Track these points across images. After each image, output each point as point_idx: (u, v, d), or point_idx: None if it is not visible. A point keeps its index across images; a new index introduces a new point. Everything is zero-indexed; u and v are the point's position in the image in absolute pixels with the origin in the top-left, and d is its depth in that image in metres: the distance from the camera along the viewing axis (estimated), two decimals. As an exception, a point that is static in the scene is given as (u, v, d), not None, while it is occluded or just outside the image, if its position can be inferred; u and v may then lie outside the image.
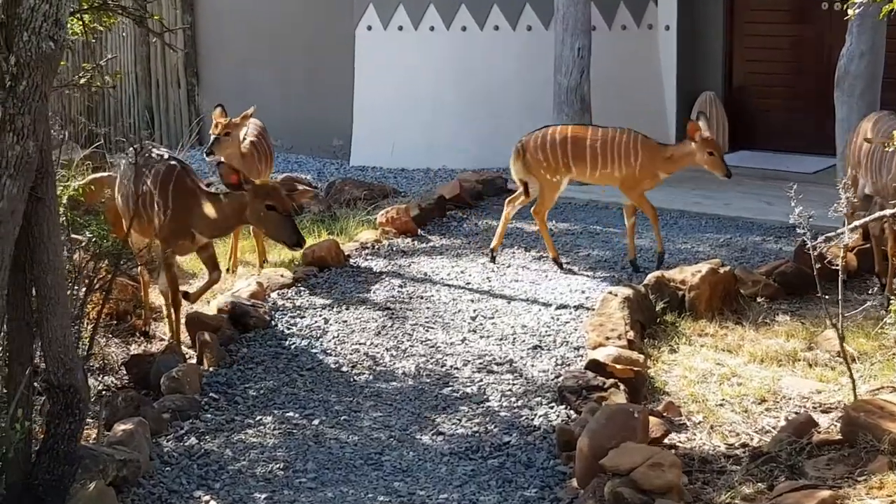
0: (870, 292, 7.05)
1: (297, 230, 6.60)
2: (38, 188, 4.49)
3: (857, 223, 6.27)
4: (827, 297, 5.99)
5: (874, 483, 4.69)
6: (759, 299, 7.45)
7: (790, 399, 6.04)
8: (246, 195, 6.55)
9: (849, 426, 5.11)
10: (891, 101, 8.80)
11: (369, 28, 12.06)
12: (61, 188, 5.96)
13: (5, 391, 4.60)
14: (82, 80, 6.86)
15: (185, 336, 7.02)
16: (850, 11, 6.02)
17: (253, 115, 8.22)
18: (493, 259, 8.46)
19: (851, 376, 5.57)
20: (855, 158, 7.59)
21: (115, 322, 7.08)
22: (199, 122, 12.84)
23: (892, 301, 6.21)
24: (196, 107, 13.35)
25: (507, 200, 8.52)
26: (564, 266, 8.30)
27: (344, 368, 6.62)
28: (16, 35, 4.26)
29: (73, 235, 6.13)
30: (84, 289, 6.11)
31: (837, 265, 5.88)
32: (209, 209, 6.67)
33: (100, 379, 6.36)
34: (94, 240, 6.08)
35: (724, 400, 6.06)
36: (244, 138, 8.21)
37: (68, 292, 5.03)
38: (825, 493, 4.54)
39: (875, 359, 6.39)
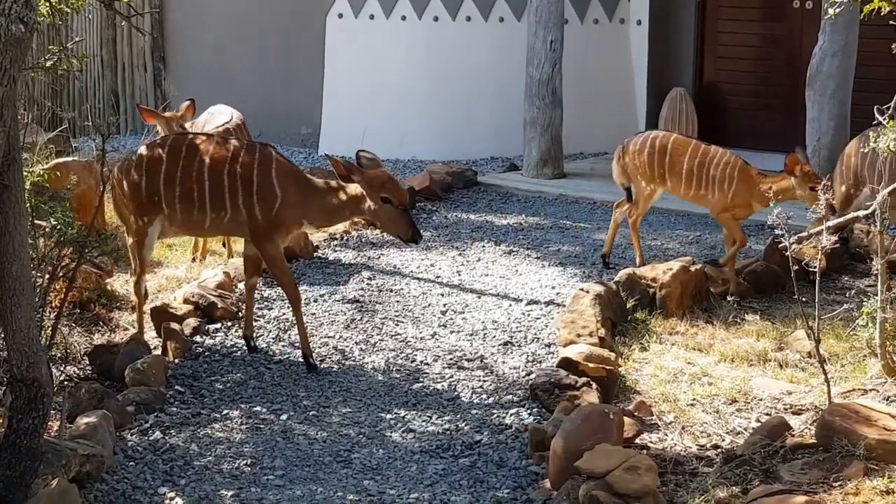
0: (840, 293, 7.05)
1: (414, 224, 6.33)
2: (5, 175, 4.37)
3: (831, 223, 6.25)
4: (804, 299, 5.97)
5: (850, 489, 4.66)
6: (729, 298, 7.42)
7: (761, 400, 6.01)
8: (361, 188, 6.25)
9: (823, 430, 5.07)
10: (862, 101, 8.79)
11: (340, 16, 11.95)
12: (25, 173, 5.82)
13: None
14: (48, 63, 6.72)
15: (149, 326, 6.90)
16: (829, 11, 5.98)
17: (188, 111, 8.13)
18: (605, 265, 8.15)
19: (826, 380, 5.54)
20: (855, 173, 7.53)
21: (78, 310, 6.94)
22: (166, 108, 12.67)
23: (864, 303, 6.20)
24: (163, 91, 13.19)
25: (614, 205, 8.23)
26: (536, 260, 8.24)
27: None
28: (-16, 17, 4.13)
29: (37, 221, 6.00)
30: (47, 276, 5.99)
31: (811, 266, 5.84)
32: (324, 197, 6.38)
33: (62, 369, 6.23)
34: (58, 227, 5.95)
35: (695, 400, 6.02)
36: (224, 125, 8.08)
37: (32, 281, 4.90)
38: (801, 499, 4.49)
39: (846, 360, 6.38)
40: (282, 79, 12.54)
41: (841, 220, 6.47)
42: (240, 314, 7.09)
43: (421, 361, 6.52)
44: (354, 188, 6.28)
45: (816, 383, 6.02)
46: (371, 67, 11.87)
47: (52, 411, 5.20)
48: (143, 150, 6.62)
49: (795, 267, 5.92)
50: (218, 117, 8.28)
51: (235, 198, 6.35)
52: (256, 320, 7.06)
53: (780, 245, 5.75)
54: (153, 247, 6.81)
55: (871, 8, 5.65)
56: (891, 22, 5.78)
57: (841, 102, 9.04)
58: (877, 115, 5.77)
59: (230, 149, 6.45)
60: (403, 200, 6.28)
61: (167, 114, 8.07)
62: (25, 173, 5.80)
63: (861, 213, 6.36)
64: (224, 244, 8.32)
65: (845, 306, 6.46)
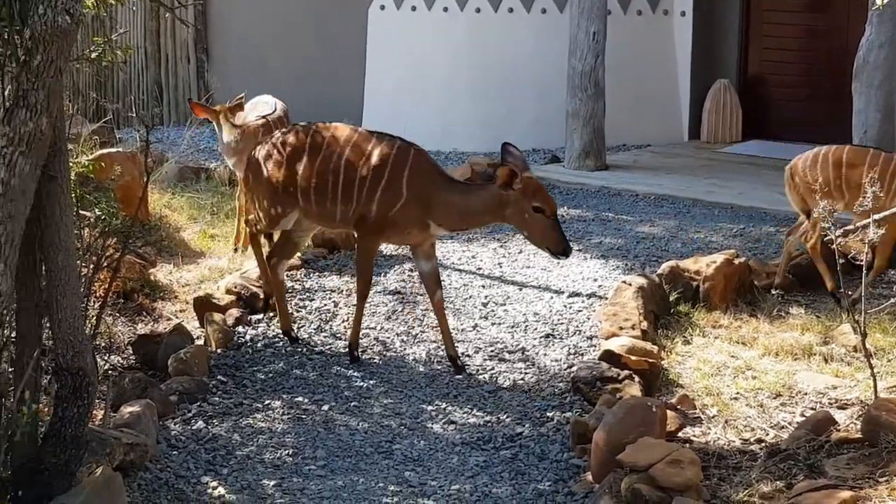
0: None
1: (564, 236, 6.02)
2: (51, 166, 4.39)
3: (878, 216, 6.18)
4: (850, 293, 5.91)
5: (896, 484, 4.61)
6: (773, 291, 7.36)
7: (806, 394, 5.96)
8: (511, 194, 5.94)
9: (869, 425, 5.02)
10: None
11: (382, 8, 11.94)
12: (70, 164, 5.86)
13: (12, 373, 4.51)
14: (93, 55, 6.75)
15: (192, 316, 6.94)
16: (878, 1, 5.91)
17: (239, 105, 8.12)
18: (774, 288, 7.39)
19: (873, 374, 5.48)
20: None
21: (122, 300, 6.99)
22: (209, 99, 12.71)
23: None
24: (205, 83, 13.23)
25: (786, 233, 7.70)
26: (578, 252, 8.20)
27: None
28: (31, 8, 4.14)
29: (82, 212, 6.04)
30: (92, 267, 6.03)
31: (858, 260, 5.79)
32: (460, 200, 6.13)
33: (106, 358, 6.27)
34: (102, 217, 5.98)
35: (738, 393, 5.98)
36: (261, 119, 8.11)
37: (77, 271, 4.93)
38: (846, 494, 4.45)
39: (892, 355, 6.31)
40: (324, 70, 12.55)
41: (887, 212, 6.39)
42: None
43: (462, 353, 6.51)
44: (500, 192, 5.99)
45: (862, 378, 5.97)
46: (412, 59, 11.86)
47: (97, 400, 5.24)
48: (281, 138, 6.54)
49: (842, 260, 5.86)
50: (261, 107, 8.30)
51: (362, 191, 6.24)
52: (297, 311, 7.08)
53: (826, 238, 5.70)
54: (286, 227, 6.69)
55: (920, -2, 5.58)
56: (939, 12, 5.71)
57: (888, 94, 8.93)
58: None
59: (370, 142, 6.31)
60: (554, 210, 5.99)
61: (217, 107, 8.05)
62: (70, 164, 5.85)
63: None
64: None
65: (892, 300, 6.38)
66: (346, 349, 6.51)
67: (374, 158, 6.23)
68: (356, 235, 6.46)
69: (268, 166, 6.49)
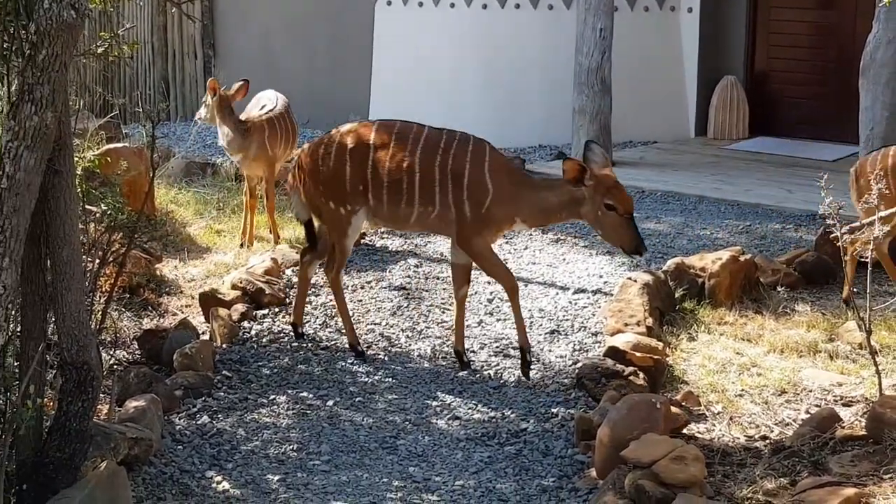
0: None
1: (638, 234, 5.86)
2: (56, 160, 4.40)
3: (883, 213, 6.17)
4: (855, 290, 5.90)
5: (901, 481, 4.60)
6: (779, 288, 7.35)
7: (811, 391, 5.95)
8: (584, 190, 5.81)
9: (874, 422, 5.02)
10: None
11: (389, 3, 11.94)
12: (77, 158, 5.87)
13: (17, 367, 4.52)
14: (100, 50, 6.76)
15: (198, 311, 6.95)
16: (884, -2, 5.90)
17: (240, 92, 8.10)
18: (847, 304, 6.89)
19: (878, 371, 5.48)
20: None
21: (127, 295, 7.00)
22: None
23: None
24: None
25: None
26: (583, 249, 8.20)
27: (359, 349, 6.53)
28: (36, 2, 4.15)
29: (88, 207, 6.05)
30: (97, 261, 6.04)
31: (864, 257, 5.78)
32: (540, 195, 5.98)
33: (112, 353, 6.28)
34: (108, 212, 5.99)
35: (743, 390, 5.97)
36: (264, 114, 8.12)
37: (82, 266, 4.94)
38: (850, 491, 4.45)
39: (898, 352, 6.31)
40: (330, 66, 12.56)
41: (893, 210, 6.37)
42: (288, 300, 7.11)
43: (467, 349, 6.50)
44: (576, 189, 5.85)
45: (867, 375, 5.96)
46: (419, 55, 11.86)
47: (102, 395, 5.25)
48: (347, 133, 6.30)
49: (847, 257, 5.85)
50: (263, 102, 8.31)
51: (445, 193, 6.03)
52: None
53: (832, 235, 5.69)
54: (357, 234, 6.57)
55: (926, -6, 5.56)
56: (946, 9, 5.68)
57: (895, 92, 8.91)
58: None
59: (442, 139, 6.12)
60: (629, 209, 5.82)
61: (221, 91, 8.03)
62: (76, 159, 5.85)
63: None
64: (271, 230, 8.34)
65: (897, 298, 6.39)
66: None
67: (451, 155, 6.05)
68: (460, 240, 6.14)
69: (332, 165, 6.24)
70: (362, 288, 7.45)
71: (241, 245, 8.24)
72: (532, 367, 6.24)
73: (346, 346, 6.54)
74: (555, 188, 5.95)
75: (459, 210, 6.04)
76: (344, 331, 6.60)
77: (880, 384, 5.49)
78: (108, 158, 6.99)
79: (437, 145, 6.09)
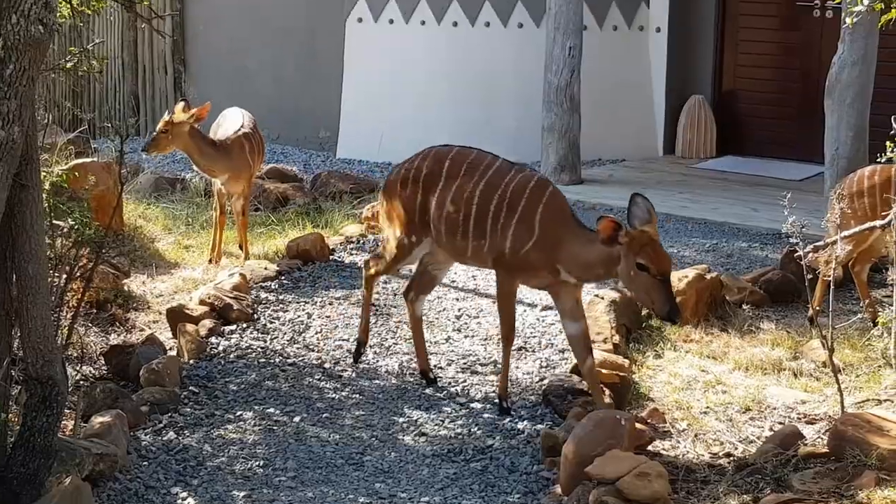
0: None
1: (672, 298, 5.45)
2: (23, 175, 4.40)
3: (847, 233, 6.25)
4: (817, 307, 5.96)
5: (861, 498, 4.65)
6: (744, 306, 7.40)
7: (775, 409, 6.00)
8: (620, 248, 5.45)
9: (836, 440, 5.07)
10: (881, 111, 8.77)
11: (360, 20, 11.97)
12: (44, 173, 5.87)
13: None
14: (69, 64, 6.77)
15: (165, 327, 6.94)
16: (847, 20, 5.97)
17: (206, 111, 7.83)
18: (873, 321, 6.62)
19: (840, 389, 5.53)
20: None
21: (94, 311, 6.98)
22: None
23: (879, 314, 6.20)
24: (183, 94, 13.22)
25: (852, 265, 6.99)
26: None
27: (326, 365, 6.55)
28: (4, 17, 4.16)
29: (55, 222, 6.04)
30: (64, 276, 6.03)
31: (826, 275, 5.84)
32: (581, 248, 5.65)
33: (78, 369, 6.27)
34: (76, 227, 5.99)
35: (708, 408, 6.02)
36: (238, 130, 8.08)
37: (48, 280, 4.94)
38: (811, 508, 4.50)
39: (861, 370, 6.36)
40: (301, 82, 12.57)
41: (856, 229, 6.45)
42: (256, 315, 7.11)
43: (434, 365, 6.52)
44: (611, 247, 5.51)
45: (831, 393, 6.01)
46: (389, 72, 11.89)
47: (67, 410, 5.25)
48: (425, 158, 6.16)
49: (810, 276, 5.92)
50: (229, 121, 8.25)
51: (496, 226, 5.84)
52: (270, 322, 7.09)
53: (796, 254, 5.75)
54: (413, 263, 6.39)
55: (888, 18, 5.64)
56: (909, 32, 5.78)
57: (860, 112, 9.00)
58: (894, 125, 5.77)
59: (508, 174, 5.90)
60: (663, 269, 5.40)
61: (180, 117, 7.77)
62: (44, 173, 5.85)
63: (877, 223, 6.37)
64: (241, 246, 8.34)
65: (859, 316, 6.45)
66: (318, 361, 6.53)
67: (510, 191, 5.84)
68: (496, 275, 6.02)
69: (404, 191, 6.12)
70: (330, 304, 7.45)
71: (210, 261, 8.23)
72: (498, 383, 6.25)
73: (315, 362, 6.55)
74: (594, 243, 5.59)
75: (501, 244, 5.83)
76: (313, 346, 6.60)
77: (842, 402, 5.54)
78: (77, 173, 6.98)
79: (500, 179, 5.88)
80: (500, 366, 6.49)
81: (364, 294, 6.58)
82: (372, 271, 6.48)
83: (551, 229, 5.75)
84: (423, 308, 6.53)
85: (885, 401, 5.79)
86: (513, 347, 6.19)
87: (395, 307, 7.42)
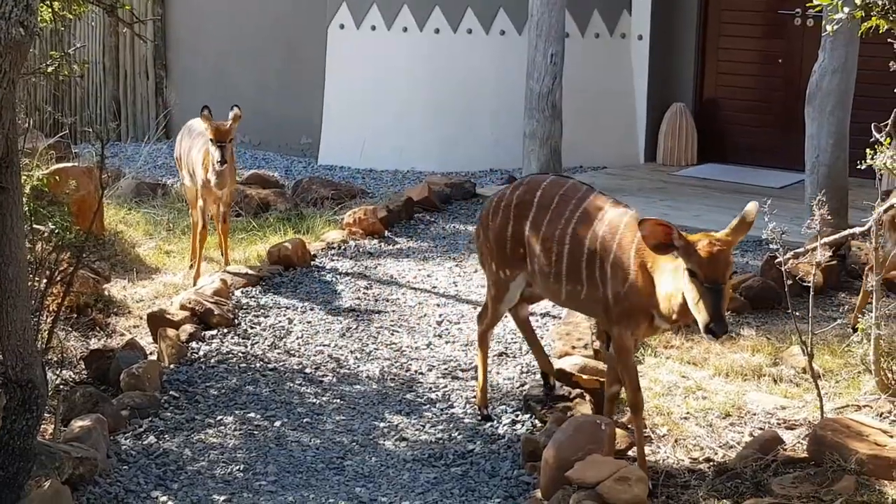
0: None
1: (719, 310, 4.63)
2: (2, 177, 4.39)
3: (826, 240, 6.27)
4: (798, 313, 5.98)
5: (841, 503, 4.67)
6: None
7: (755, 414, 6.01)
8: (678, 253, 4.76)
9: (815, 445, 5.09)
10: (861, 119, 8.81)
11: (342, 27, 11.97)
12: (25, 177, 5.85)
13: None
14: (49, 69, 6.75)
15: (146, 332, 6.92)
16: (828, 27, 6.00)
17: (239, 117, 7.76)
18: (854, 330, 6.47)
19: (819, 395, 5.55)
20: None
21: (75, 315, 6.96)
22: (167, 115, 12.71)
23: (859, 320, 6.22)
24: (164, 99, 13.22)
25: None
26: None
27: (307, 370, 6.54)
28: (-16, 20, 4.15)
29: (36, 226, 6.02)
30: (45, 281, 6.01)
31: (806, 281, 5.86)
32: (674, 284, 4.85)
33: (58, 373, 6.25)
34: (56, 231, 5.97)
35: (688, 413, 6.03)
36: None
37: (28, 284, 4.92)
38: (791, 512, 4.52)
39: (840, 377, 6.38)
40: (283, 88, 12.57)
41: (836, 236, 6.48)
42: (237, 321, 7.10)
43: (415, 371, 6.53)
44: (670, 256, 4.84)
45: (810, 398, 6.03)
46: (372, 78, 11.90)
47: (47, 414, 5.23)
48: (518, 187, 5.68)
49: (790, 282, 5.93)
50: (196, 134, 7.96)
51: (592, 269, 5.19)
52: (251, 328, 7.08)
53: (776, 260, 5.77)
54: (513, 301, 5.84)
55: (868, 26, 5.67)
56: (889, 40, 5.79)
57: (840, 120, 9.03)
58: (874, 133, 5.79)
59: (603, 207, 5.28)
60: (713, 276, 4.67)
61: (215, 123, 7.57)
62: (25, 177, 5.83)
63: (857, 229, 6.39)
64: (222, 252, 8.32)
65: (838, 321, 6.48)
66: (299, 366, 6.52)
67: (603, 229, 5.19)
68: (608, 329, 5.35)
69: (494, 221, 5.65)
70: (311, 310, 7.45)
71: (191, 266, 8.21)
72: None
73: (295, 367, 6.54)
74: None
75: (604, 291, 5.17)
76: (293, 351, 6.60)
77: (822, 408, 5.57)
78: (57, 177, 6.97)
79: (595, 213, 5.26)
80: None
81: (479, 355, 6.04)
82: (482, 328, 5.98)
83: (645, 268, 5.05)
84: (526, 312, 6.03)
85: (865, 406, 5.81)
86: (492, 353, 6.11)
87: (375, 313, 7.42)
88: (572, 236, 5.28)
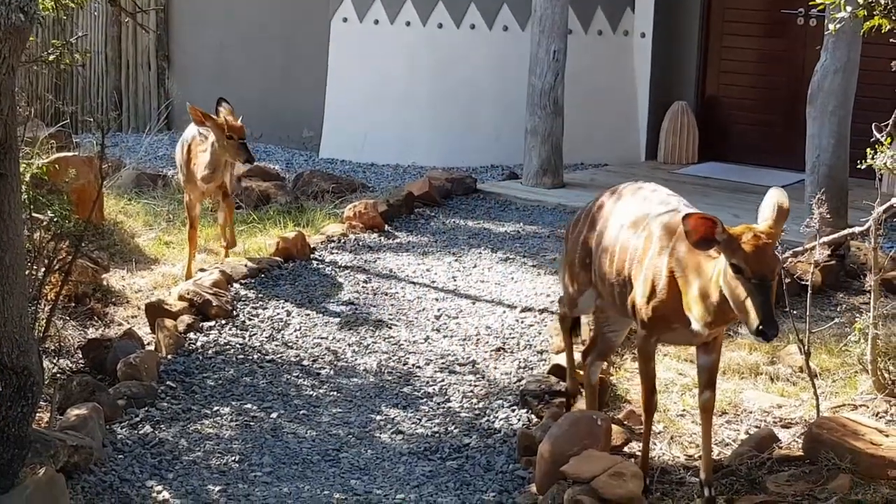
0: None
1: (769, 309, 4.28)
2: (1, 164, 4.38)
3: (825, 239, 6.27)
4: (795, 312, 5.98)
5: (835, 501, 4.67)
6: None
7: (751, 412, 6.01)
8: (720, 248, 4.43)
9: (811, 443, 5.09)
10: (862, 119, 8.80)
11: (345, 20, 11.97)
12: (25, 166, 5.85)
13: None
14: (51, 57, 6.75)
15: (144, 322, 6.92)
16: (830, 26, 5.99)
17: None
18: None
19: (815, 394, 5.55)
20: None
21: (73, 304, 6.96)
22: (169, 106, 12.71)
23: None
24: (165, 90, 13.22)
25: None
26: (532, 268, 8.25)
27: (305, 362, 6.54)
28: (-16, 6, 4.15)
29: (35, 214, 6.02)
30: (43, 269, 6.01)
31: (805, 280, 5.86)
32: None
33: (55, 362, 6.24)
34: (55, 220, 5.97)
35: (685, 410, 6.02)
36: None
37: (27, 272, 4.92)
38: (785, 510, 4.52)
39: (837, 376, 6.38)
40: (285, 81, 12.57)
41: (835, 235, 6.47)
42: (235, 312, 7.10)
43: (413, 364, 6.53)
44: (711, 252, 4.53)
45: (807, 397, 6.03)
46: (374, 72, 11.90)
47: (43, 402, 5.23)
48: (600, 195, 5.36)
49: (788, 280, 5.94)
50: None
51: (633, 277, 4.89)
52: (249, 319, 7.08)
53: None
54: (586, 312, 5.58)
55: (870, 25, 5.67)
56: (891, 40, 5.78)
57: (841, 120, 9.02)
58: (875, 133, 5.79)
59: (650, 211, 4.99)
60: (760, 272, 4.32)
61: (220, 119, 7.52)
62: (24, 166, 5.83)
63: (856, 229, 6.39)
64: (224, 237, 8.28)
65: (836, 321, 6.47)
66: (297, 358, 6.52)
67: (648, 231, 4.87)
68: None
69: (574, 229, 5.38)
70: (310, 302, 7.45)
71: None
72: (477, 383, 6.27)
73: (293, 359, 6.55)
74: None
75: (632, 293, 4.92)
76: (291, 344, 6.59)
77: (818, 406, 5.57)
78: (57, 166, 6.95)
79: (644, 217, 4.96)
80: (478, 365, 6.52)
81: (562, 337, 5.85)
82: (561, 312, 5.80)
83: (685, 276, 4.72)
84: (597, 374, 5.62)
85: (861, 406, 5.81)
86: (490, 348, 6.12)
87: (374, 307, 7.42)
88: (621, 245, 5.03)
